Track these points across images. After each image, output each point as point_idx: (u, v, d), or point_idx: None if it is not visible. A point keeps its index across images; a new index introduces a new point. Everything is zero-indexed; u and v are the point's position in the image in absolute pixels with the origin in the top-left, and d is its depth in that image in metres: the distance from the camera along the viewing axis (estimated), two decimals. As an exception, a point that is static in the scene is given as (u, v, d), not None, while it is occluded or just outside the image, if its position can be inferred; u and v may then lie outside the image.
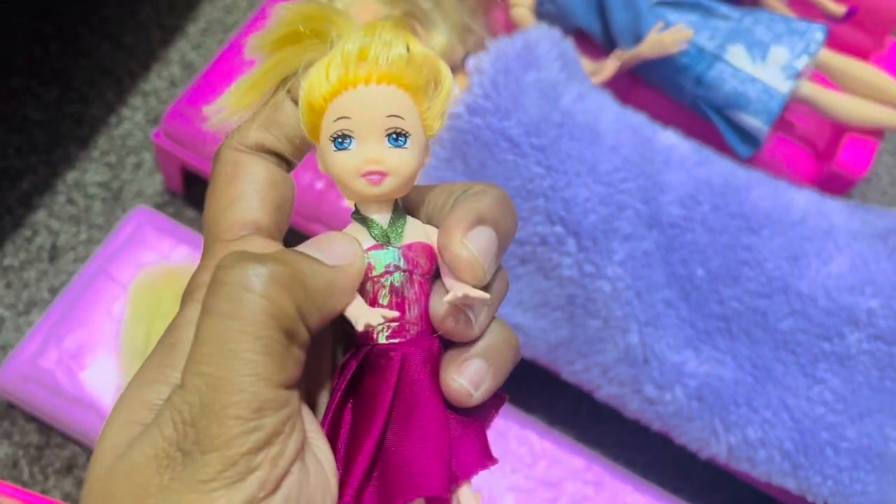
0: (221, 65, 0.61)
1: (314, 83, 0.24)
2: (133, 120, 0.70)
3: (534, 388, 0.64)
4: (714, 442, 0.51)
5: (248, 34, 0.69)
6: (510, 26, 0.65)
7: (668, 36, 0.58)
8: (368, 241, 0.25)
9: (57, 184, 0.66)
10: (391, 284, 0.25)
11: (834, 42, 0.62)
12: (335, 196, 0.58)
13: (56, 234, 0.64)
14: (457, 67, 0.57)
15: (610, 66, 0.60)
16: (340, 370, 0.25)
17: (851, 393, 0.50)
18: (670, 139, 0.55)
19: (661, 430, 0.53)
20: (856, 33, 0.66)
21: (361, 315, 0.24)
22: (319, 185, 0.58)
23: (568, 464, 0.54)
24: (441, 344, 0.25)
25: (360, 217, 0.25)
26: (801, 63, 0.59)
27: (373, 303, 0.24)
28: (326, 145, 0.24)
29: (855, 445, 0.49)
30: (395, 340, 0.24)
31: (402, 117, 0.24)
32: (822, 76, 0.62)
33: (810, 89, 0.60)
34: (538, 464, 0.54)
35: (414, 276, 0.25)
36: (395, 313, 0.24)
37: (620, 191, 0.51)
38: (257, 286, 0.21)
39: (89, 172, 0.67)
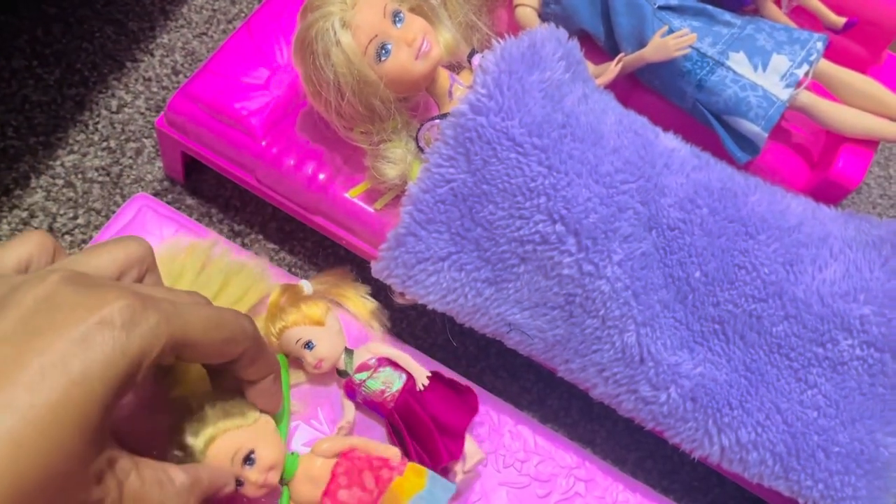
0: (225, 54, 0.61)
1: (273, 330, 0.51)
2: (134, 105, 0.70)
3: (525, 385, 0.64)
4: (707, 443, 0.52)
5: (251, 25, 0.69)
6: (514, 25, 0.65)
7: (672, 40, 0.58)
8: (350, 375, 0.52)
9: (56, 166, 0.66)
10: (370, 385, 0.52)
11: (832, 54, 0.63)
12: (337, 189, 0.58)
13: (53, 217, 0.64)
14: (462, 63, 0.57)
15: (613, 68, 0.61)
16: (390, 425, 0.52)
17: (843, 398, 0.50)
18: (671, 142, 0.56)
19: (654, 429, 0.54)
20: (854, 46, 0.67)
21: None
22: (322, 177, 0.58)
23: (560, 460, 0.55)
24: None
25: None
26: (802, 72, 0.59)
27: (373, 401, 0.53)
28: (297, 347, 0.51)
29: (846, 450, 0.50)
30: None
31: (313, 341, 0.51)
32: (819, 86, 0.63)
33: (809, 98, 0.61)
34: (531, 459, 0.55)
35: (374, 370, 0.52)
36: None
37: (621, 192, 0.52)
38: None
39: (89, 156, 0.67)
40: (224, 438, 0.43)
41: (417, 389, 0.51)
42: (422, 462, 0.49)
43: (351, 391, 0.52)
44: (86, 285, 0.32)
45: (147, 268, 0.38)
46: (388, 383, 0.52)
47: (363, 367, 0.52)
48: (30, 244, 0.36)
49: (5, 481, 0.28)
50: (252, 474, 0.43)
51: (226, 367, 0.40)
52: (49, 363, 0.29)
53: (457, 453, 0.50)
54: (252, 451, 0.43)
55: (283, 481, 0.47)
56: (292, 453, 0.47)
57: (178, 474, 0.37)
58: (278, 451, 0.45)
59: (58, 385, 0.29)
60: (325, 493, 0.47)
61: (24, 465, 0.28)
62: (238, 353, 0.39)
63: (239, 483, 0.43)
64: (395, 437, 0.51)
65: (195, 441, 0.42)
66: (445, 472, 0.51)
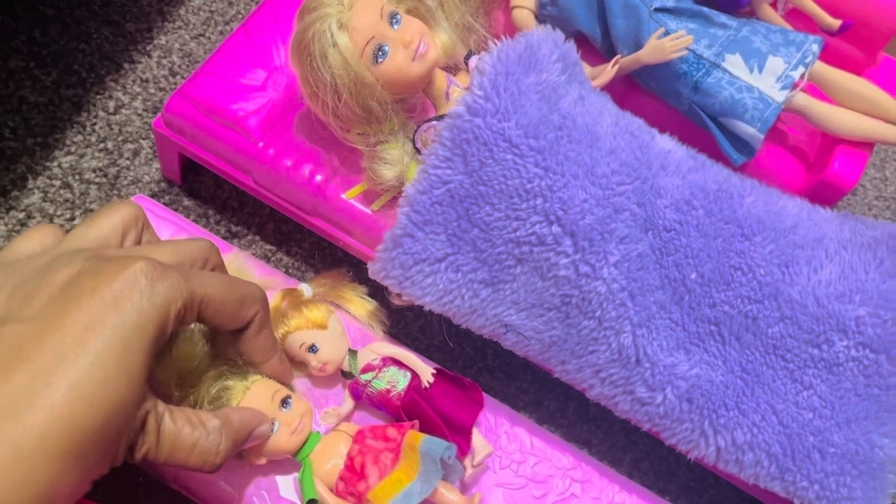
0: (222, 55, 0.61)
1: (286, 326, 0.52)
2: (132, 107, 0.70)
3: (522, 386, 0.64)
4: (703, 444, 0.52)
5: (249, 26, 0.69)
6: (510, 26, 0.65)
7: (669, 42, 0.59)
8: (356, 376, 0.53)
9: (53, 168, 0.66)
10: (376, 385, 0.52)
11: (828, 56, 0.63)
12: (334, 190, 0.58)
13: (50, 218, 0.64)
14: (459, 65, 0.57)
15: (609, 70, 0.61)
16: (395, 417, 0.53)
17: (839, 399, 0.51)
18: (667, 144, 0.56)
19: (651, 430, 0.54)
20: (850, 48, 0.67)
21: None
22: (319, 178, 0.58)
23: (557, 461, 0.55)
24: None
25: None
26: (797, 73, 0.59)
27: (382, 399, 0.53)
28: (301, 351, 0.52)
29: (842, 451, 0.50)
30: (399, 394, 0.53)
31: (317, 344, 0.52)
32: (815, 88, 0.63)
33: (804, 100, 0.61)
34: (527, 461, 0.55)
35: (379, 370, 0.53)
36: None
37: (617, 193, 0.52)
38: None
39: (86, 158, 0.67)
40: (265, 380, 0.48)
41: (423, 387, 0.52)
42: None
43: (357, 392, 0.53)
44: (108, 257, 0.36)
45: (143, 226, 0.41)
46: (393, 382, 0.52)
47: (368, 368, 0.52)
48: (41, 233, 0.40)
49: (66, 426, 0.31)
50: (287, 416, 0.48)
51: (235, 342, 0.44)
52: (89, 321, 0.33)
53: (465, 448, 0.51)
54: (289, 396, 0.48)
55: (303, 454, 0.49)
56: (314, 432, 0.50)
57: (208, 416, 0.40)
58: (308, 403, 0.49)
59: (101, 338, 0.33)
60: (357, 439, 0.50)
61: (82, 411, 0.32)
62: (251, 317, 0.43)
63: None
64: None
65: (240, 382, 0.47)
66: None
